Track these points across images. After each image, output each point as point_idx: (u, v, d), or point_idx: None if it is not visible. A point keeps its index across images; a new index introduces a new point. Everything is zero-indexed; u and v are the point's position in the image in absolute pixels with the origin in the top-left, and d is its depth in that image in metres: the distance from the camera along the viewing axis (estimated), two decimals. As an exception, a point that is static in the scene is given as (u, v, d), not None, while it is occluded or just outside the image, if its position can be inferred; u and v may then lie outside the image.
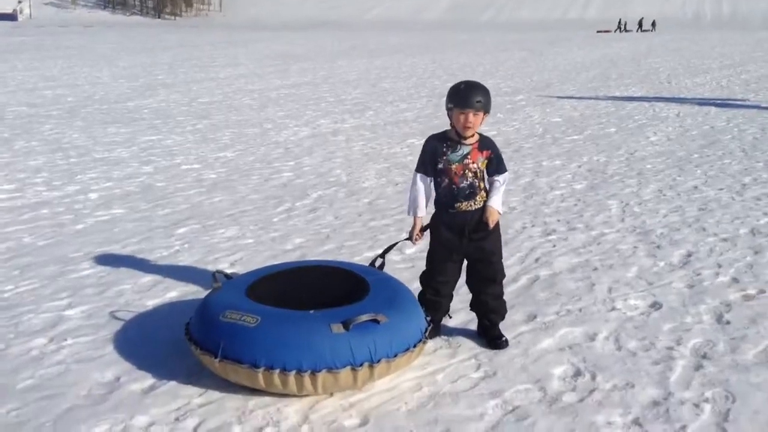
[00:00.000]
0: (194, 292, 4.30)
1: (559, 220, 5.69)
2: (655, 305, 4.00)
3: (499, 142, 9.43)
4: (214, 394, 3.10)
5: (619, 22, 57.71)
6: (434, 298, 3.56)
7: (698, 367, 3.30)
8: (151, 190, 6.74)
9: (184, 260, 4.88)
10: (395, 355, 3.01)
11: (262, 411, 2.97)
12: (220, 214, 5.95)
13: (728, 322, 3.77)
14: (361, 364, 2.92)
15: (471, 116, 3.30)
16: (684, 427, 2.83)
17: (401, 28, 63.44)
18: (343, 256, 4.90)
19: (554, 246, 5.07)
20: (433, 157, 3.41)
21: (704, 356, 3.41)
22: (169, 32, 53.73)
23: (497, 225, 3.47)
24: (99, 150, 8.63)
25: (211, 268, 4.70)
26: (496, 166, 3.45)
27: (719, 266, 4.60)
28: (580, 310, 3.97)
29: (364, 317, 2.97)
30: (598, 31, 37.64)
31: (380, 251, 3.84)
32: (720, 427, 2.83)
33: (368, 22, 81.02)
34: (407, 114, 11.56)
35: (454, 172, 3.37)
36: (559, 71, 18.61)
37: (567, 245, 5.08)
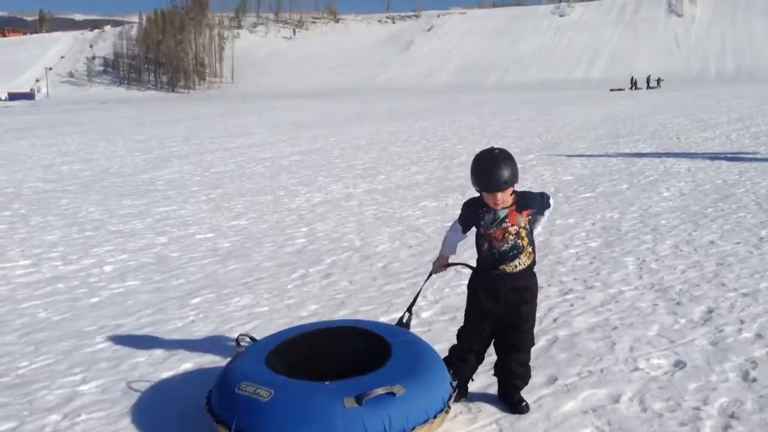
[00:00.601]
0: (209, 362, 4.26)
1: (575, 279, 5.63)
2: (679, 364, 3.91)
3: (511, 202, 9.19)
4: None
5: (632, 80, 58.42)
6: (465, 354, 3.50)
7: (726, 428, 3.20)
8: (165, 261, 6.76)
9: (199, 331, 4.85)
10: (413, 429, 2.91)
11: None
12: (234, 283, 5.95)
13: (755, 380, 3.67)
14: None
15: (499, 196, 3.25)
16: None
17: (409, 93, 64.60)
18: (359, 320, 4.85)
19: (572, 305, 5.01)
20: (472, 219, 3.39)
21: (732, 416, 3.30)
22: (183, 105, 54.99)
23: (535, 295, 3.44)
24: (114, 222, 8.72)
25: (227, 337, 4.67)
26: (540, 210, 3.46)
27: (742, 322, 4.51)
28: (602, 370, 3.88)
29: (380, 390, 2.88)
30: (611, 90, 38.06)
31: (403, 311, 3.81)
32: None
33: (376, 88, 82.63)
34: (419, 177, 11.64)
35: (494, 237, 3.31)
36: (568, 130, 18.78)
37: (585, 304, 5.02)
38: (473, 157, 3.35)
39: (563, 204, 8.76)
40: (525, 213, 3.33)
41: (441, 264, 3.62)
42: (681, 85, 38.67)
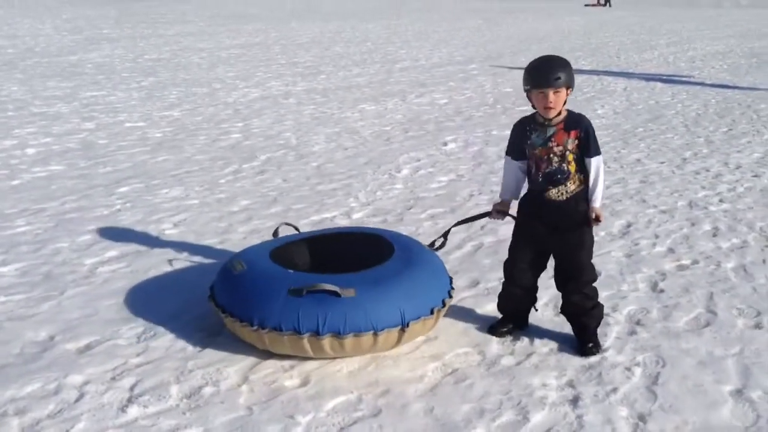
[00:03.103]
0: (135, 251, 4.22)
1: (505, 189, 5.74)
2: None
3: (449, 110, 9.34)
4: (153, 354, 3.06)
5: None
6: (509, 288, 3.33)
7: (632, 333, 3.40)
8: (92, 147, 6.55)
9: (126, 220, 4.77)
10: (350, 333, 2.86)
11: (201, 371, 2.95)
12: (164, 174, 5.83)
13: (662, 291, 3.89)
14: (310, 332, 2.86)
15: (551, 95, 2.98)
16: (615, 389, 2.92)
17: (356, -8, 62.65)
18: (290, 219, 4.86)
19: (499, 214, 5.12)
20: (519, 141, 3.15)
21: (638, 323, 3.51)
22: (116, -14, 51.87)
23: (587, 219, 3.11)
24: (38, 104, 8.33)
25: (153, 227, 4.62)
26: (585, 147, 3.08)
27: (656, 237, 4.72)
28: (522, 276, 4.02)
29: (324, 286, 2.88)
30: (585, 5, 37.78)
31: (437, 236, 3.61)
32: (649, 389, 2.93)
33: (323, -16, 79.89)
34: (359, 79, 11.46)
35: (538, 157, 3.08)
36: (512, 41, 18.67)
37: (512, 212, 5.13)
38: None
39: (501, 115, 8.82)
40: (573, 134, 3.05)
41: (499, 210, 3.30)
42: (630, 5, 38.71)
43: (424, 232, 4.70)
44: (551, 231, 3.14)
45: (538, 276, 3.34)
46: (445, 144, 7.21)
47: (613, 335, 3.37)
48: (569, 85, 3.03)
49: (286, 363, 3.02)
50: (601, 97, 10.32)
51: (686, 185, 5.94)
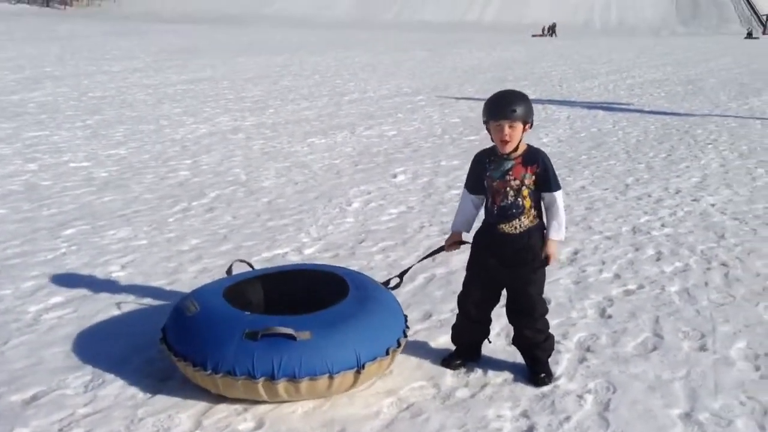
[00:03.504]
0: (82, 295, 4.12)
1: (455, 220, 5.81)
2: (544, 301, 4.15)
3: (398, 141, 9.41)
4: (101, 403, 2.99)
5: (550, 28, 57.69)
6: (463, 321, 3.35)
7: (582, 360, 3.46)
8: (35, 190, 6.40)
9: (72, 263, 4.66)
10: (306, 377, 2.84)
11: (152, 419, 2.89)
12: (111, 215, 5.73)
13: (610, 317, 3.98)
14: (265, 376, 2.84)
15: (507, 128, 3.01)
16: (568, 418, 2.97)
17: (303, 25, 62.99)
18: (242, 257, 4.82)
19: (450, 245, 5.17)
20: (478, 173, 3.17)
21: (588, 349, 3.58)
22: (59, 22, 51.11)
23: (537, 256, 3.13)
24: (-22, 146, 8.11)
25: (100, 270, 4.53)
26: (543, 182, 3.09)
27: (603, 263, 4.84)
28: (474, 307, 4.06)
29: (279, 330, 2.86)
30: (533, 35, 39.03)
31: (393, 274, 3.63)
32: (601, 416, 2.98)
33: (269, 16, 79.89)
34: (308, 113, 11.50)
35: (495, 190, 3.10)
36: (458, 72, 19.03)
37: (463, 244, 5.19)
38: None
39: (449, 146, 8.95)
40: (530, 169, 3.06)
41: (452, 241, 3.35)
42: (571, 35, 39.96)
43: (376, 266, 4.72)
44: (503, 265, 3.16)
45: (491, 309, 3.37)
46: (395, 176, 7.28)
47: (565, 363, 3.43)
48: (526, 120, 3.05)
49: (240, 406, 2.98)
50: (546, 125, 10.58)
51: (629, 211, 6.11)
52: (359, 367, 2.93)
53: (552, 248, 3.14)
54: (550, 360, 3.33)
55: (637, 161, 8.11)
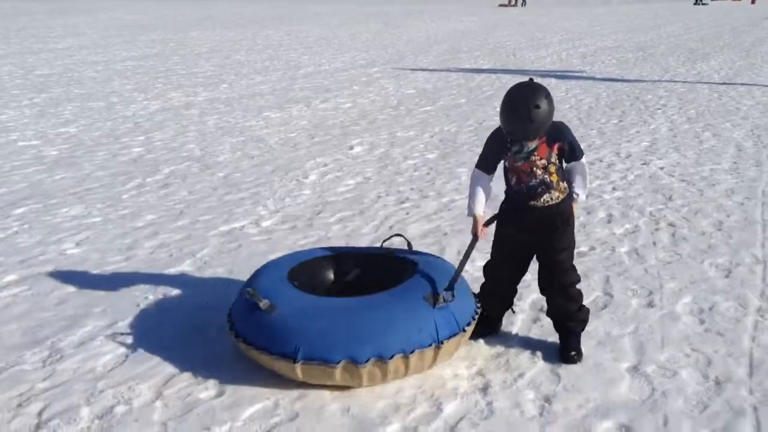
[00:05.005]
0: (35, 273, 4.08)
1: (412, 189, 5.87)
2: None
3: (354, 114, 9.39)
4: (60, 378, 2.98)
5: None
6: (490, 292, 3.34)
7: (536, 320, 3.56)
8: (-17, 169, 6.25)
9: (24, 242, 4.59)
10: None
11: (112, 390, 2.89)
12: (63, 193, 5.64)
13: (563, 277, 4.08)
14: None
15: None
16: (522, 374, 3.06)
17: (256, -1, 61.97)
18: (198, 231, 4.81)
19: (407, 213, 5.24)
20: (497, 153, 3.08)
21: (541, 309, 3.67)
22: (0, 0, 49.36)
23: (571, 221, 3.12)
24: None
25: (54, 248, 4.47)
26: (570, 154, 3.05)
27: (556, 226, 4.94)
28: (431, 273, 4.13)
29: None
30: (500, 5, 38.98)
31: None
32: (554, 372, 3.09)
33: (221, -9, 78.40)
34: (263, 87, 11.39)
35: (521, 170, 3.02)
36: (413, 44, 18.98)
37: (419, 212, 5.27)
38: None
39: (405, 117, 8.98)
40: (555, 146, 3.00)
41: (481, 226, 3.15)
42: (534, 3, 40.33)
43: (333, 236, 4.76)
44: (534, 235, 3.12)
45: (519, 280, 3.36)
46: (351, 148, 7.29)
47: (519, 323, 3.53)
48: (549, 124, 2.97)
49: (200, 375, 3.00)
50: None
51: (581, 176, 6.23)
52: (438, 344, 2.90)
53: (576, 208, 3.16)
54: (583, 334, 3.27)
55: (590, 127, 8.26)
